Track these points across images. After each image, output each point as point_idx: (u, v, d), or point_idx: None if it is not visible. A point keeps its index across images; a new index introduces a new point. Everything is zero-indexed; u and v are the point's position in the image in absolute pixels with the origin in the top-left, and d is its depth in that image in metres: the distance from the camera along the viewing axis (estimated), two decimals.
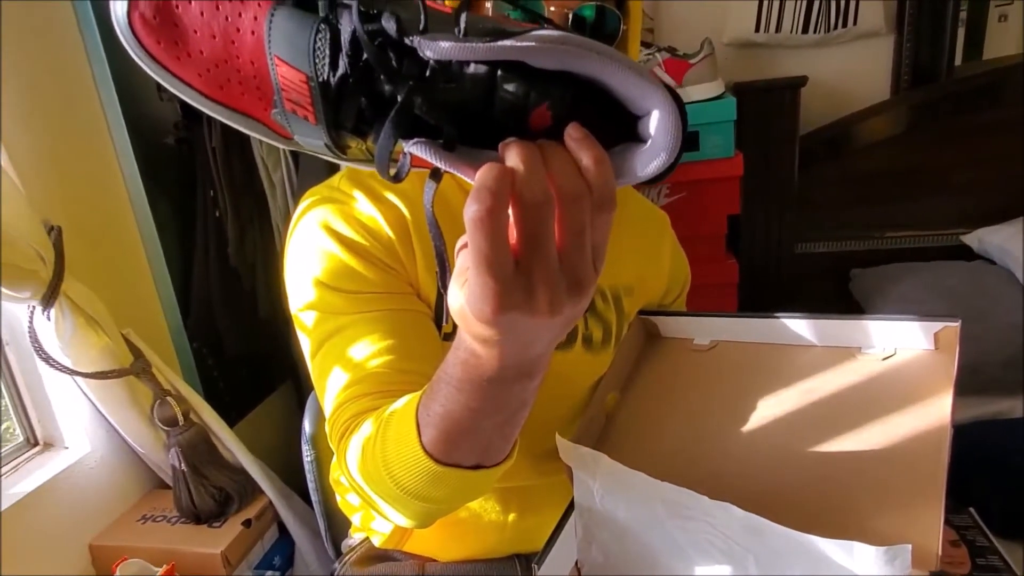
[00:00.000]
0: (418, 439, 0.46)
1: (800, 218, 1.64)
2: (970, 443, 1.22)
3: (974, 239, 1.60)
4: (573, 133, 0.33)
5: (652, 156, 0.34)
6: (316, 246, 0.63)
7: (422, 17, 0.32)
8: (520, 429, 0.48)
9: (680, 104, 0.33)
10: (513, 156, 0.31)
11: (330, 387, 0.61)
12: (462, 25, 0.31)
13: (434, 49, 0.31)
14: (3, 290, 0.98)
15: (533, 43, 0.30)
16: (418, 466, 0.47)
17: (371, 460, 0.52)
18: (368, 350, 0.59)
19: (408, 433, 0.47)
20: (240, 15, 0.34)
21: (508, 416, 0.44)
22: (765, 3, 1.62)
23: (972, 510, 0.79)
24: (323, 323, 0.62)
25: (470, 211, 0.30)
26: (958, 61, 1.68)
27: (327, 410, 0.61)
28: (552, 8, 0.60)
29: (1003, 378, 1.31)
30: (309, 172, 1.34)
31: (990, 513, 0.78)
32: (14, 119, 1.08)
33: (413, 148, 0.33)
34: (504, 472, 0.71)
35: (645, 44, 1.44)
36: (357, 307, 0.61)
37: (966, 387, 1.26)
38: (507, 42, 0.30)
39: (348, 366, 0.60)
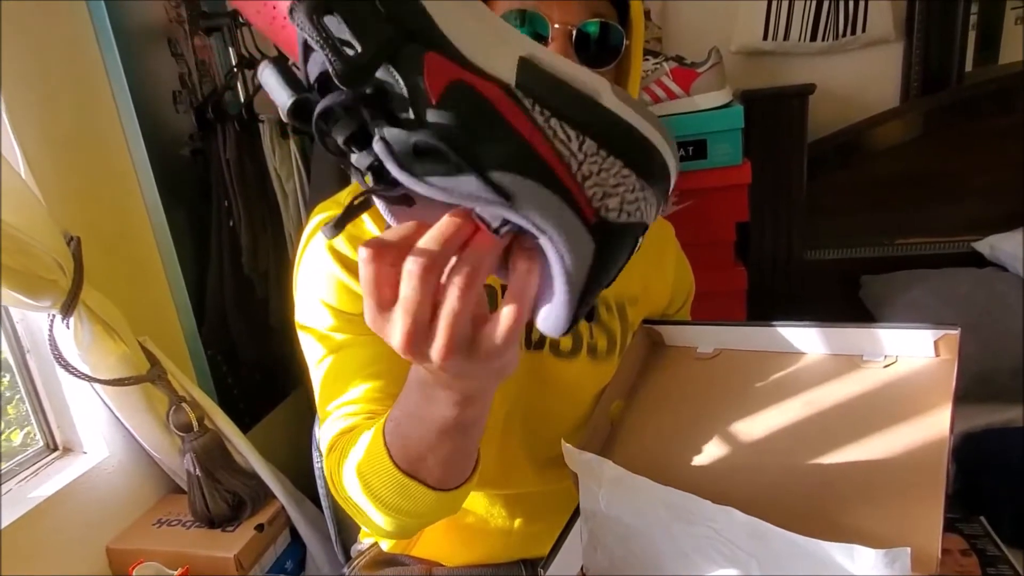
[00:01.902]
0: (383, 441, 0.51)
1: (810, 225, 1.64)
2: (981, 451, 1.22)
3: (985, 246, 1.59)
4: (519, 264, 0.35)
5: (543, 321, 0.37)
6: (322, 267, 0.65)
7: (404, 95, 0.32)
8: (471, 459, 0.53)
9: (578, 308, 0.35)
10: (430, 236, 0.34)
11: (324, 402, 0.64)
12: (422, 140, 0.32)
13: (386, 162, 0.32)
14: (24, 299, 1.01)
15: (469, 201, 0.32)
16: (384, 469, 0.51)
17: (350, 468, 0.55)
18: (362, 372, 0.62)
19: (377, 438, 0.51)
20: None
21: (445, 430, 0.46)
22: (773, 11, 1.62)
23: (983, 519, 0.79)
24: (324, 340, 0.65)
25: (362, 251, 0.34)
26: (969, 67, 1.67)
27: (320, 423, 0.65)
28: (556, 25, 0.61)
29: (1015, 386, 1.30)
30: (321, 182, 1.36)
31: (1001, 521, 0.78)
32: (35, 133, 1.11)
33: (377, 201, 0.36)
34: (507, 480, 0.73)
35: (653, 53, 1.45)
36: (357, 329, 0.63)
37: (977, 395, 1.27)
38: (450, 182, 0.32)
39: (342, 385, 0.63)
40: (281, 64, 0.35)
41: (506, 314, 0.35)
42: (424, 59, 0.32)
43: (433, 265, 0.33)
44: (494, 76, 0.33)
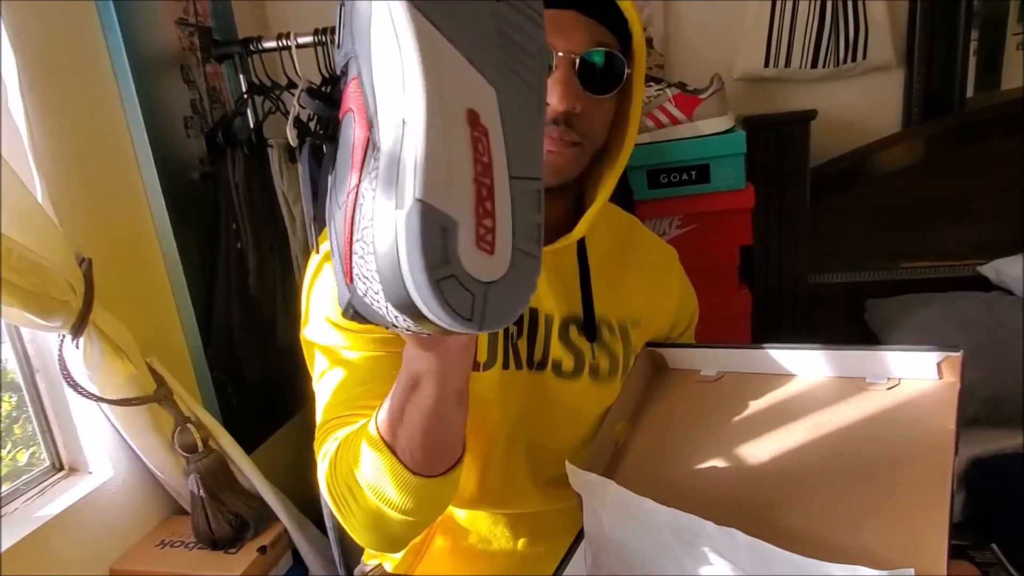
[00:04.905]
0: (374, 416, 0.56)
1: (814, 249, 1.65)
2: (992, 477, 1.20)
3: (991, 270, 1.59)
4: None
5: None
6: (329, 287, 0.67)
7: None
8: (439, 448, 0.56)
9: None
10: None
11: (323, 412, 0.67)
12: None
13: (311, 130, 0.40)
14: (36, 319, 1.02)
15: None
16: (369, 440, 0.55)
17: (347, 452, 0.58)
18: (360, 388, 0.64)
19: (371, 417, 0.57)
20: None
21: (401, 389, 0.53)
22: (774, 39, 1.64)
23: (995, 546, 0.78)
24: (327, 354, 0.67)
25: None
26: (971, 92, 1.69)
27: (317, 432, 0.67)
28: (560, 53, 0.62)
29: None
30: None
31: (1013, 548, 0.77)
32: (51, 158, 1.13)
33: None
34: (510, 499, 0.73)
35: (655, 79, 1.47)
36: (360, 346, 0.65)
37: (988, 420, 1.26)
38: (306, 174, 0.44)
39: (340, 398, 0.65)
40: None
41: None
42: (350, 81, 0.38)
43: None
44: (375, 123, 0.36)
